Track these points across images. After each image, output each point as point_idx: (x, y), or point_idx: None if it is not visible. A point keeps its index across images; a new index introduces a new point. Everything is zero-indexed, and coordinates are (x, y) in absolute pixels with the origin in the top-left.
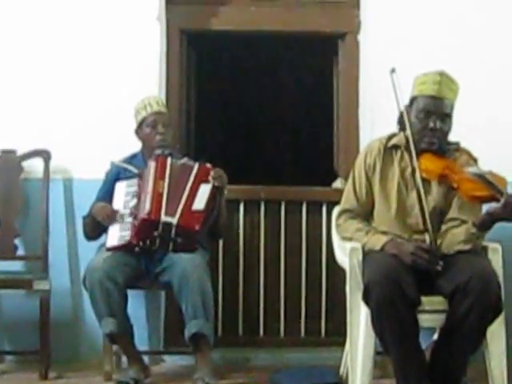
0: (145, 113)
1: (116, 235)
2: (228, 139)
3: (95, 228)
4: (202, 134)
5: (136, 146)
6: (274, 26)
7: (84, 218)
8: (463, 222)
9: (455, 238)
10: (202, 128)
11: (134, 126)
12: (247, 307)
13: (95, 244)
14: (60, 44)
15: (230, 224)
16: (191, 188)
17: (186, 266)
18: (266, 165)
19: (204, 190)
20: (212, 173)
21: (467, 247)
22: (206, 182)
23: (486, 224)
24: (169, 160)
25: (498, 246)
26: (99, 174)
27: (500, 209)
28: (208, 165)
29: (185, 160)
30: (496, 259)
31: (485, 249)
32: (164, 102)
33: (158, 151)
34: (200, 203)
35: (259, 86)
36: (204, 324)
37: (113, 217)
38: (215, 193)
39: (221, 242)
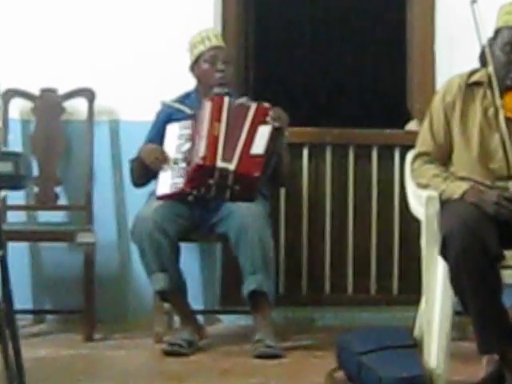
0: (203, 47)
1: (167, 182)
2: (290, 78)
3: (144, 173)
4: (261, 72)
5: (190, 84)
6: None
7: (131, 162)
8: None
9: None
10: (261, 65)
11: (189, 62)
12: (311, 262)
13: (144, 192)
14: None
15: (293, 171)
16: (249, 130)
17: (244, 216)
18: (332, 106)
19: (263, 133)
20: (271, 113)
21: None
22: (265, 123)
23: None
24: (226, 100)
25: None
26: (148, 115)
27: None
28: (266, 104)
29: (243, 100)
30: None
31: None
32: (220, 35)
33: (217, 90)
34: (259, 147)
35: (325, 16)
36: (264, 280)
37: (163, 160)
38: (275, 135)
39: (282, 191)
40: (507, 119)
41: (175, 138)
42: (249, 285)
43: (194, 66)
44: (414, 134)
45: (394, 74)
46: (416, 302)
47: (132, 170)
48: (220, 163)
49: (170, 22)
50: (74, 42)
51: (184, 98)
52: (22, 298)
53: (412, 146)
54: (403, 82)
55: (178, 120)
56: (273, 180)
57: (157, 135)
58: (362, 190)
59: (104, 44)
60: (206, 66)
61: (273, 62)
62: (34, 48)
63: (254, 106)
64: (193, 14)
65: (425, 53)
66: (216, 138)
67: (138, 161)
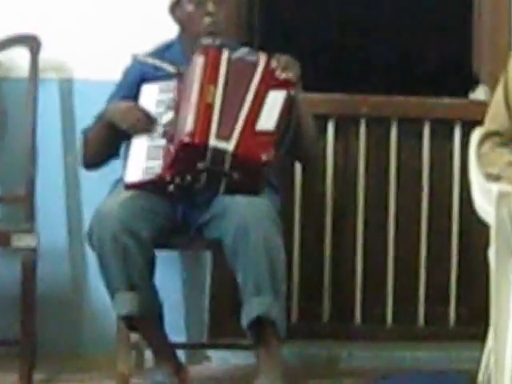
0: None
1: (140, 165)
2: (312, 25)
3: (106, 145)
4: (271, 15)
5: (170, 32)
6: None
7: (85, 132)
8: None
9: None
10: (272, 5)
11: (167, 1)
12: (336, 279)
13: (105, 178)
14: None
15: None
16: (255, 97)
17: (245, 215)
18: (368, 68)
19: (274, 100)
20: (274, 63)
21: None
22: (278, 87)
23: None
24: (225, 53)
25: None
26: (113, 72)
27: None
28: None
29: (243, 52)
30: None
31: None
32: None
33: (205, 41)
34: (269, 120)
35: None
36: (272, 304)
37: (146, 124)
38: (291, 104)
39: (298, 180)
40: None
41: (153, 104)
42: (251, 310)
43: (175, 8)
44: (482, 105)
45: (455, 26)
46: (480, 336)
47: (85, 145)
48: (214, 141)
49: None
50: None
51: (163, 52)
52: None
53: (478, 122)
54: (467, 37)
55: (155, 80)
56: (294, 157)
57: (126, 99)
58: (407, 179)
59: None
60: (190, 7)
61: (287, 2)
62: None
63: (262, 61)
64: None
65: (498, 2)
66: (209, 107)
67: (98, 128)
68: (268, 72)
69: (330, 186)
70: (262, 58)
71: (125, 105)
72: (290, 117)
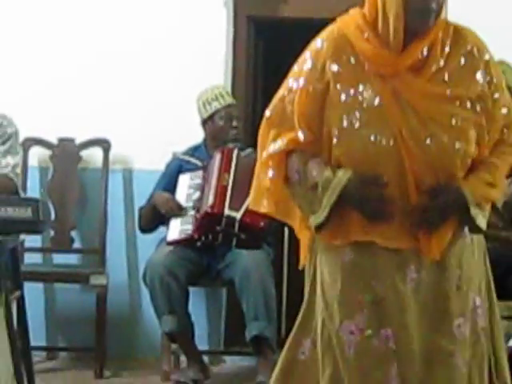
0: (218, 104)
1: (177, 229)
2: None
3: (152, 219)
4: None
5: (198, 136)
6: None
7: (141, 209)
8: None
9: None
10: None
11: (197, 115)
12: None
13: (154, 238)
14: (125, 29)
15: None
16: None
17: (247, 263)
18: None
19: None
20: None
21: None
22: None
23: None
24: (235, 152)
25: None
26: (160, 164)
27: None
28: None
29: (249, 151)
30: None
31: None
32: (230, 91)
33: (231, 145)
34: None
35: None
36: (266, 326)
37: (176, 209)
38: None
39: (286, 239)
40: None
41: (186, 188)
42: (251, 330)
43: (208, 122)
44: None
45: None
46: None
47: (140, 217)
48: (227, 211)
49: (182, 78)
50: (90, 94)
51: (193, 151)
52: (37, 335)
53: None
54: None
55: (188, 171)
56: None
57: (168, 184)
58: None
59: (120, 97)
60: (221, 122)
61: None
62: (52, 98)
63: None
64: (205, 71)
65: None
66: (225, 188)
67: (148, 208)
68: None
69: None
70: None
71: (165, 197)
72: None
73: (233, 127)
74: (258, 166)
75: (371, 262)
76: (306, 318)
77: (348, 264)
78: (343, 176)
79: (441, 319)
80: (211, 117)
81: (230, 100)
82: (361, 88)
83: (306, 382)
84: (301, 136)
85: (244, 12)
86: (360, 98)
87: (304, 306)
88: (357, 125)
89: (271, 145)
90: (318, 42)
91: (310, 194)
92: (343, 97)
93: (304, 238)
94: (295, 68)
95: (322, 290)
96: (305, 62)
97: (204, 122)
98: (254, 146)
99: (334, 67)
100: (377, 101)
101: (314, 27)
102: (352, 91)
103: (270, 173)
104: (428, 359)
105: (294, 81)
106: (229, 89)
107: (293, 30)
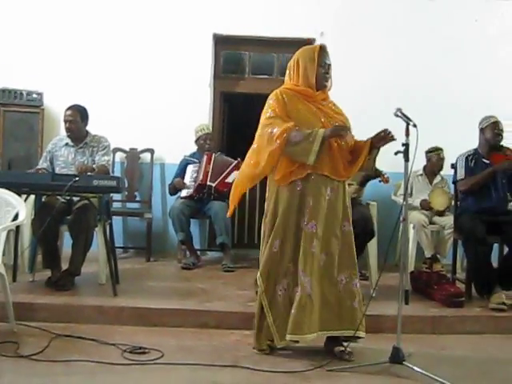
0: (201, 133)
1: (185, 192)
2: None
3: (174, 190)
4: (230, 142)
5: (193, 147)
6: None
7: (169, 185)
8: None
9: None
10: (230, 140)
11: (194, 138)
12: (252, 224)
13: (174, 197)
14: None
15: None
16: (228, 172)
17: (217, 208)
18: None
19: (234, 175)
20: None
21: None
22: (238, 170)
23: None
24: (214, 155)
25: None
26: (177, 161)
27: None
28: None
29: (221, 154)
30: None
31: None
32: (210, 127)
33: (207, 152)
34: (230, 180)
35: None
36: (226, 238)
37: (184, 186)
38: None
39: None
40: None
41: (190, 172)
42: (219, 239)
43: (198, 141)
44: None
45: None
46: None
47: (169, 188)
48: (209, 183)
49: (188, 120)
50: (144, 119)
51: (193, 155)
52: (118, 240)
53: None
54: None
55: (192, 163)
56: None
57: (181, 172)
58: None
59: (160, 123)
60: (201, 141)
61: (237, 140)
62: (127, 121)
63: (235, 162)
64: (199, 119)
65: None
66: (208, 172)
67: (172, 185)
68: (236, 166)
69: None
70: (237, 160)
71: (178, 180)
72: None
73: (208, 144)
74: (251, 165)
75: (312, 185)
76: (273, 229)
77: (299, 191)
78: (320, 130)
79: (336, 221)
80: (198, 139)
81: (207, 130)
82: (302, 107)
83: (279, 264)
84: (290, 122)
85: (219, 89)
86: (303, 112)
87: (270, 222)
88: (304, 125)
89: (271, 129)
90: (277, 94)
91: (304, 143)
92: (295, 114)
93: (242, 190)
94: (267, 108)
95: (282, 209)
96: (273, 103)
97: (196, 141)
98: (221, 150)
99: (289, 101)
100: (311, 112)
101: (260, 98)
102: (299, 109)
103: (277, 142)
104: (329, 237)
105: (272, 112)
106: (210, 125)
107: (247, 100)
